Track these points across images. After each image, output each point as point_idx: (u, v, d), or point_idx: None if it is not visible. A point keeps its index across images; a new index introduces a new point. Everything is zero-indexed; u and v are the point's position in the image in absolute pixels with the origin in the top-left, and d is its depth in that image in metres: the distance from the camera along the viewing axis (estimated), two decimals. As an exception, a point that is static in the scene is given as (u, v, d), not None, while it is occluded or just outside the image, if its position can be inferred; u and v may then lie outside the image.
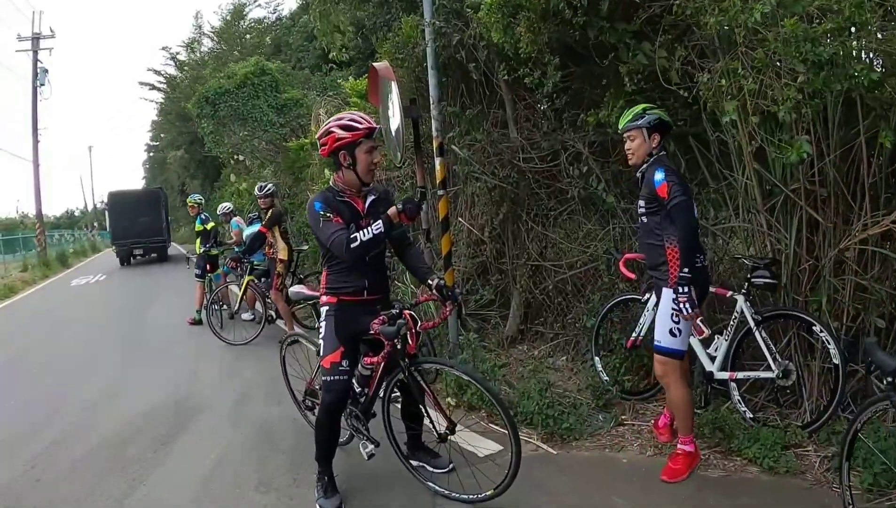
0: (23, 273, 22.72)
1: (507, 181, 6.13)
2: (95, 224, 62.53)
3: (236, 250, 9.32)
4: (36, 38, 27.09)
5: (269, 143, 18.82)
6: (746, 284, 4.02)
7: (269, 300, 8.48)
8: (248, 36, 31.45)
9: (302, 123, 18.76)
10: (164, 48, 52.10)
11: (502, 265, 6.63)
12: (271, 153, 18.03)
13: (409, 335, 3.30)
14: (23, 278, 21.15)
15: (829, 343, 3.83)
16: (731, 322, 4.07)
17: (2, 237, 29.05)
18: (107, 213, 25.76)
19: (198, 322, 9.76)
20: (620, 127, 3.79)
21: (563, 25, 4.71)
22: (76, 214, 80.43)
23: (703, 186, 4.74)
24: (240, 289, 8.83)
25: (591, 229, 5.75)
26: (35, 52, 26.93)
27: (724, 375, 4.11)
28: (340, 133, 3.27)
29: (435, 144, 5.92)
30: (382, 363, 3.43)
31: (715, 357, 4.11)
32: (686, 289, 3.44)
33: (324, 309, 3.49)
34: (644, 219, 3.75)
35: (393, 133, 5.91)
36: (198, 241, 10.28)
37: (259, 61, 21.42)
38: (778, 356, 4.00)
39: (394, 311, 3.27)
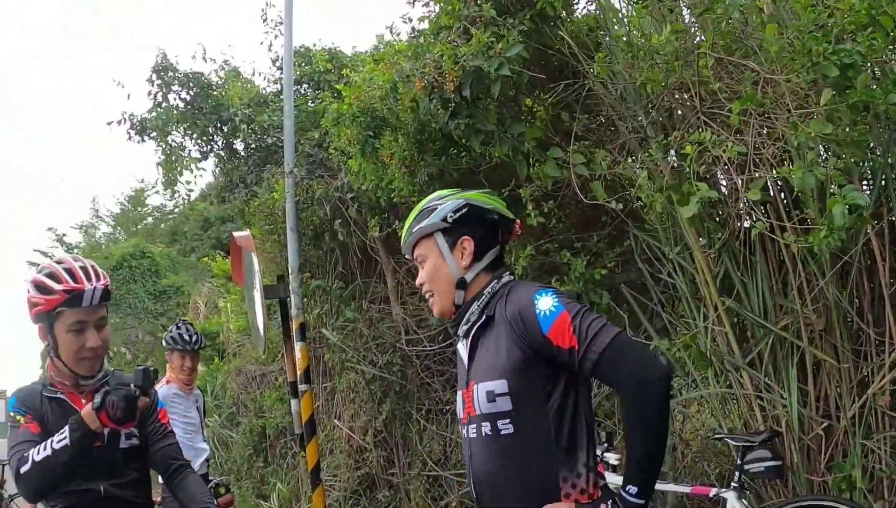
0: None
1: (389, 370, 4.85)
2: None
3: None
4: None
5: (150, 334, 16.89)
6: (738, 474, 2.97)
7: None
8: (146, 221, 30.28)
9: (181, 314, 17.06)
10: (50, 228, 49.37)
11: (392, 477, 5.25)
12: (150, 345, 16.08)
13: None
14: None
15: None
16: (721, 532, 3.00)
17: None
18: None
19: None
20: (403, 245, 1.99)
21: (445, 147, 3.66)
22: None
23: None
24: None
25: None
26: None
27: None
28: (33, 295, 2.01)
29: (294, 326, 4.81)
30: None
31: None
32: None
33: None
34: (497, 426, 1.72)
35: (257, 317, 4.95)
36: None
37: (140, 243, 19.97)
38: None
39: None
